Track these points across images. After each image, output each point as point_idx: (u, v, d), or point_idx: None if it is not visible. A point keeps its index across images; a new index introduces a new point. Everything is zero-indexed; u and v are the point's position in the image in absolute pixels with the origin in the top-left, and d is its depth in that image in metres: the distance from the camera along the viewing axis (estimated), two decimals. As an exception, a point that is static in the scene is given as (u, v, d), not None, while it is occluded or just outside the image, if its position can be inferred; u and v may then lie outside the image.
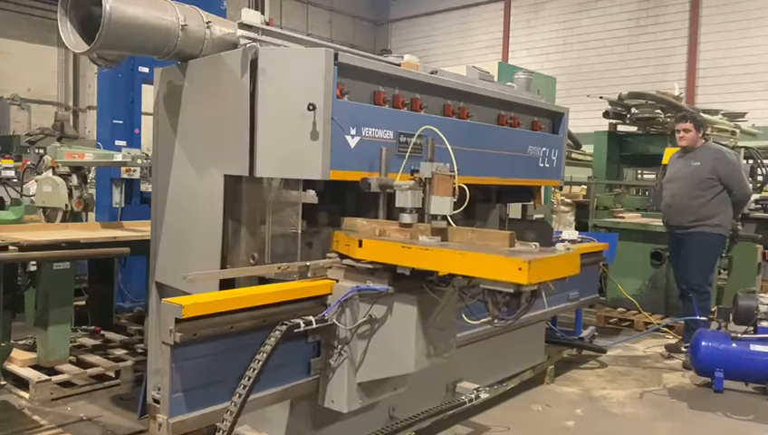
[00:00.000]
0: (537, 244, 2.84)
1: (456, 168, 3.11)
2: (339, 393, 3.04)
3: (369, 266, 3.00)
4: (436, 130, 3.34)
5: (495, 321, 2.81)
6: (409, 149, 3.49)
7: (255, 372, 2.65)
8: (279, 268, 3.09)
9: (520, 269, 2.46)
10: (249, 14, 3.51)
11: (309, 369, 3.04)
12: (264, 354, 2.67)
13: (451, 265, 2.75)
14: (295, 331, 2.76)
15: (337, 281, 3.10)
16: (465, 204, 3.08)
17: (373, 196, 3.42)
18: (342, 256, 3.17)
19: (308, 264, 3.11)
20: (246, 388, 2.63)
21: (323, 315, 2.92)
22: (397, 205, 3.15)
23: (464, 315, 3.10)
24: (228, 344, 2.67)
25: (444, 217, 3.03)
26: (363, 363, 3.03)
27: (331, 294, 3.04)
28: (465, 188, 3.08)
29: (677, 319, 6.50)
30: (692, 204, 5.83)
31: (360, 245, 3.00)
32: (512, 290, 2.57)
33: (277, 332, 2.71)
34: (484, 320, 2.91)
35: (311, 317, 2.84)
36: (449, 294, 3.10)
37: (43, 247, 4.34)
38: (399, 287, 2.99)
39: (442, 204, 3.02)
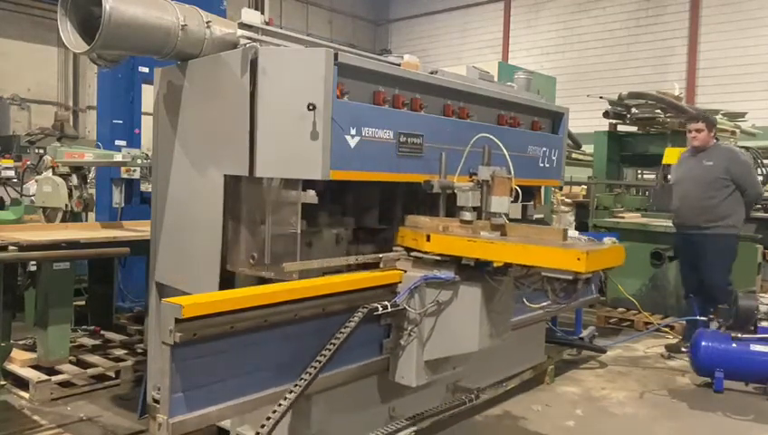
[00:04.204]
0: (585, 238, 3.28)
1: (512, 171, 3.53)
2: (408, 370, 3.37)
3: (437, 258, 3.35)
4: (492, 137, 3.76)
5: (554, 304, 3.27)
6: (465, 154, 3.80)
7: (333, 349, 2.91)
8: (356, 259, 3.51)
9: (579, 259, 2.81)
10: (249, 14, 3.52)
11: (381, 348, 3.35)
12: (344, 334, 2.96)
13: (515, 257, 3.09)
14: (375, 314, 3.11)
15: (405, 271, 3.40)
16: (519, 203, 3.54)
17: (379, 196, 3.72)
18: (408, 250, 3.53)
19: (381, 256, 3.55)
20: (322, 361, 2.88)
21: (395, 301, 3.24)
22: (458, 204, 3.53)
23: (525, 300, 3.55)
24: (228, 344, 2.67)
25: (500, 215, 3.37)
26: (430, 343, 3.36)
27: (400, 282, 3.35)
28: (518, 189, 3.51)
29: (678, 319, 6.51)
30: (705, 205, 5.76)
31: (428, 239, 3.35)
32: (570, 277, 2.89)
33: (359, 313, 3.04)
34: (544, 304, 3.39)
35: (386, 302, 3.18)
36: (506, 283, 3.44)
37: (43, 247, 4.34)
38: (464, 276, 3.33)
39: (501, 203, 3.37)
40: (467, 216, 3.48)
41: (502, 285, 3.41)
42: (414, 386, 3.39)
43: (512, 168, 3.55)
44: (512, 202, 3.42)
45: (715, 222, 5.74)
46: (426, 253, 3.39)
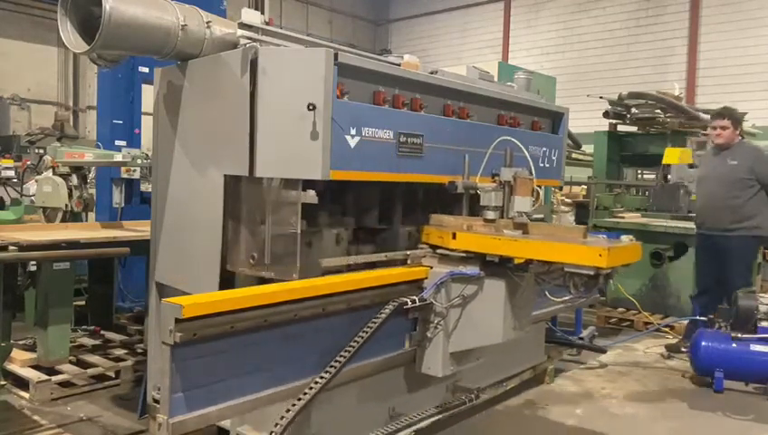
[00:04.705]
0: (604, 236, 3.31)
1: (533, 172, 3.75)
2: (434, 361, 3.52)
3: (463, 255, 3.49)
4: (515, 140, 4.00)
5: (576, 299, 3.50)
6: (487, 156, 4.02)
7: (361, 341, 3.05)
8: (386, 256, 3.68)
9: (600, 255, 2.98)
10: (249, 14, 3.52)
11: (409, 340, 3.51)
12: (373, 327, 3.11)
13: (540, 253, 3.24)
14: (404, 307, 3.28)
15: (431, 268, 3.54)
16: (538, 203, 3.75)
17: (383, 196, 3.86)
18: (433, 247, 3.68)
19: (408, 253, 3.70)
20: (353, 349, 3.01)
21: (423, 295, 3.39)
22: (482, 204, 3.69)
23: (547, 293, 3.75)
24: (228, 344, 2.66)
25: (522, 214, 3.57)
26: (455, 336, 3.51)
27: (426, 278, 3.50)
28: (539, 189, 3.70)
29: (678, 319, 6.51)
30: (729, 205, 5.63)
31: (454, 237, 3.50)
32: (592, 272, 3.04)
33: (390, 306, 3.20)
34: (566, 298, 3.59)
35: (414, 297, 3.33)
36: (528, 279, 3.61)
37: (43, 247, 4.34)
38: (488, 272, 3.48)
39: (523, 203, 3.56)
40: (490, 215, 3.65)
41: (524, 280, 3.58)
42: (440, 376, 3.56)
43: (533, 169, 3.79)
44: (534, 202, 3.64)
45: (739, 223, 5.60)
46: (452, 250, 3.53)
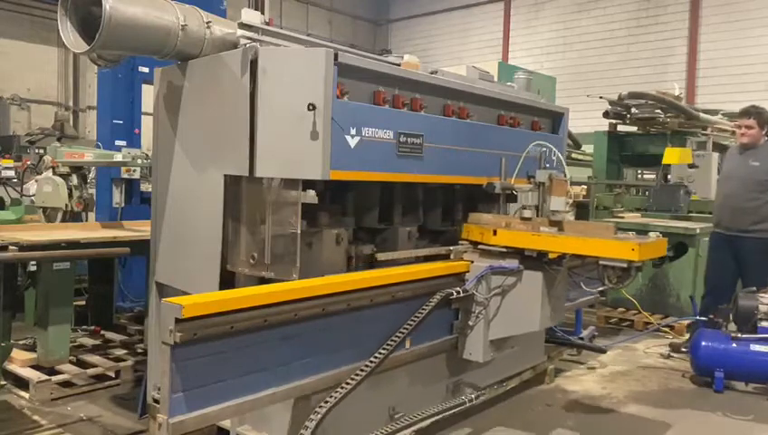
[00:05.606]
0: (633, 233, 3.68)
1: (568, 174, 4.02)
2: (476, 347, 3.81)
3: (503, 250, 3.80)
4: (548, 144, 4.21)
5: (608, 289, 3.84)
6: (522, 159, 4.22)
7: (409, 329, 3.31)
8: (428, 252, 4.00)
9: (633, 250, 3.30)
10: (249, 14, 3.52)
11: (451, 329, 3.79)
12: (421, 316, 3.37)
13: (577, 248, 3.55)
14: (451, 298, 3.57)
15: (472, 262, 3.82)
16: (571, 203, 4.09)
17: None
18: (474, 243, 3.97)
19: (451, 248, 3.99)
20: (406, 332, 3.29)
21: (465, 287, 3.67)
22: (519, 203, 3.99)
23: (582, 284, 4.02)
24: (228, 344, 2.66)
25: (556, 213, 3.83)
26: (495, 324, 3.80)
27: (467, 271, 3.78)
28: (571, 191, 3.96)
29: (678, 319, 6.50)
30: (747, 206, 5.56)
31: (495, 233, 3.80)
32: (625, 265, 3.35)
33: (437, 296, 3.48)
34: (600, 289, 3.90)
35: (458, 288, 3.62)
36: (562, 272, 3.88)
37: (43, 247, 4.35)
38: (527, 266, 3.76)
39: (559, 202, 3.82)
40: (527, 213, 3.91)
41: (559, 273, 3.85)
42: (481, 362, 3.84)
43: (567, 171, 4.09)
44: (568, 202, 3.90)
45: (757, 224, 5.53)
46: (492, 246, 3.81)
